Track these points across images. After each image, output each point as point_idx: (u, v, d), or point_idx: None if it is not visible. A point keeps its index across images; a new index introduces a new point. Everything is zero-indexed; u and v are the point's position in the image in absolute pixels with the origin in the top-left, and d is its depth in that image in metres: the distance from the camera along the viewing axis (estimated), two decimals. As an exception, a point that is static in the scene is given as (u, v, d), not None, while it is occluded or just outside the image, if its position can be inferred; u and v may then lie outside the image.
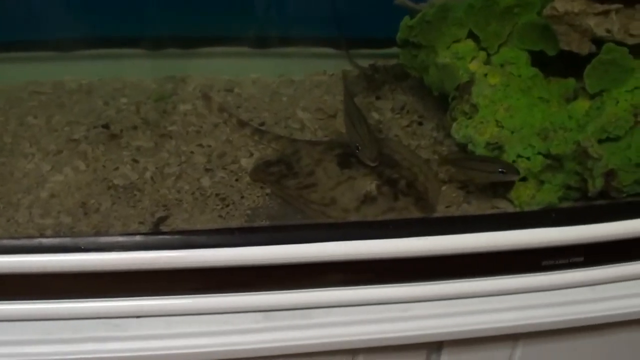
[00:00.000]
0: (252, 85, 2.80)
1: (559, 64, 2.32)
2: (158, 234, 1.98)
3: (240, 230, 2.01)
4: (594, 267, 2.08)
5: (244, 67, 2.87)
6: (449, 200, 2.24)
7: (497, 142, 2.19)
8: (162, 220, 2.09)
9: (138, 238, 1.88)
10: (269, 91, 2.78)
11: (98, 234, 2.03)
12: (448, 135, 2.42)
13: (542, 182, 2.18)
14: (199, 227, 2.08)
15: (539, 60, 2.34)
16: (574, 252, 2.04)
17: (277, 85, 2.83)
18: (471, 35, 2.39)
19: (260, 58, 2.93)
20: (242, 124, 2.51)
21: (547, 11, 2.15)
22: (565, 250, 2.03)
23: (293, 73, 2.88)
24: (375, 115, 2.62)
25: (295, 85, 2.83)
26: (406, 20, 2.47)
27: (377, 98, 2.74)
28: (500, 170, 2.13)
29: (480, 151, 2.22)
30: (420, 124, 2.58)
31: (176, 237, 1.91)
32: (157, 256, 1.85)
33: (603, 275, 2.09)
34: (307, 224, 2.12)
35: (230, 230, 1.99)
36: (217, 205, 2.17)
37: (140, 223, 2.08)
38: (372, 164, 2.21)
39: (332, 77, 2.90)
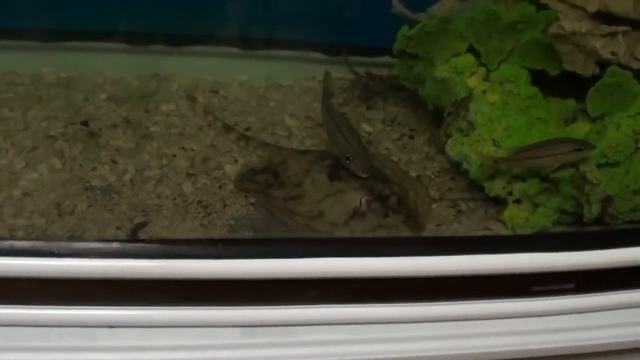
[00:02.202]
0: (239, 88, 2.74)
1: (559, 84, 2.28)
2: (136, 242, 1.92)
3: (224, 241, 1.93)
4: (585, 295, 2.02)
5: (231, 68, 2.80)
6: (440, 219, 2.20)
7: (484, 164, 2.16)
8: (140, 226, 2.04)
9: (115, 245, 1.80)
10: (256, 95, 2.72)
11: (72, 238, 1.98)
12: (440, 151, 2.40)
13: (536, 205, 2.15)
14: (179, 236, 2.03)
15: (538, 79, 2.30)
16: (565, 278, 1.99)
17: (265, 89, 2.76)
18: (471, 49, 2.34)
19: (248, 60, 2.85)
20: (227, 128, 2.45)
21: (553, 29, 2.10)
22: (557, 276, 1.98)
23: (282, 77, 2.82)
24: (366, 127, 2.57)
25: (283, 90, 2.77)
26: (404, 31, 2.39)
27: (368, 108, 2.68)
28: (577, 148, 2.04)
29: (474, 170, 2.18)
30: (411, 137, 2.53)
31: (155, 245, 1.84)
32: (135, 265, 1.78)
33: (594, 303, 2.03)
34: (292, 238, 2.05)
35: (212, 241, 1.91)
36: (199, 213, 2.11)
37: (118, 228, 2.03)
38: (364, 175, 2.16)
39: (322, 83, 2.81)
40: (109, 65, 2.74)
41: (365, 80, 2.79)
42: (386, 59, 2.76)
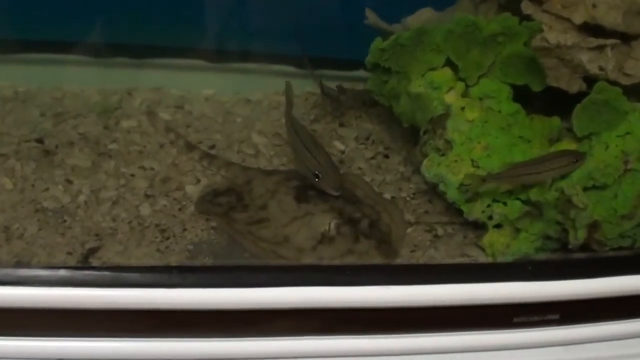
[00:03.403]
0: (205, 103, 2.61)
1: (542, 100, 2.17)
2: (85, 269, 1.79)
3: (179, 269, 1.83)
4: (571, 326, 1.94)
5: (197, 81, 2.67)
6: (415, 244, 2.08)
7: (470, 184, 2.02)
8: (92, 251, 1.92)
9: (62, 272, 1.74)
10: (223, 110, 2.59)
11: (19, 264, 1.85)
12: (417, 171, 2.26)
13: (518, 230, 2.04)
14: (133, 262, 1.91)
15: (520, 94, 2.18)
16: (549, 308, 1.91)
17: (232, 105, 2.63)
18: (449, 63, 2.21)
19: (215, 73, 2.73)
20: (190, 146, 2.32)
21: (536, 42, 1.98)
22: (540, 306, 1.90)
23: (250, 91, 2.68)
24: (338, 145, 2.44)
25: (251, 105, 2.64)
26: (377, 43, 2.25)
27: (341, 125, 2.56)
28: (574, 160, 1.94)
29: (452, 193, 2.06)
30: (386, 156, 2.41)
31: (105, 273, 1.78)
32: (82, 294, 1.72)
33: (580, 334, 1.96)
34: (255, 266, 1.93)
35: (167, 269, 1.83)
36: (156, 237, 2.00)
37: (69, 253, 1.91)
38: (335, 193, 2.06)
39: (293, 98, 2.58)
40: (69, 79, 2.63)
41: (335, 95, 2.64)
42: (361, 72, 2.63)
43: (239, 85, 2.71)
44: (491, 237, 2.04)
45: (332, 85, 2.65)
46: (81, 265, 1.86)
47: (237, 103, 2.66)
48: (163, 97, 2.63)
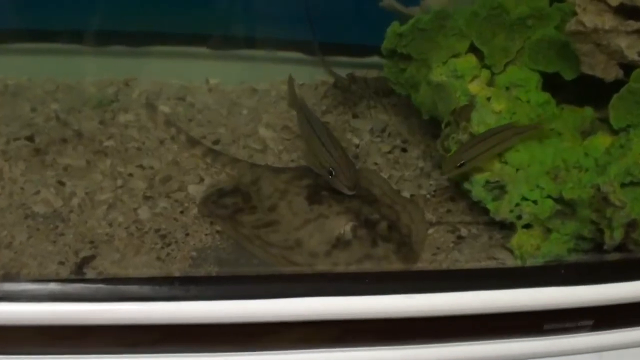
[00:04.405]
0: (208, 94, 2.49)
1: (572, 89, 2.03)
2: (78, 282, 1.66)
3: (182, 280, 1.69)
4: (605, 332, 1.82)
5: (200, 71, 2.55)
6: (437, 246, 1.95)
7: (498, 181, 1.91)
8: (86, 261, 1.80)
9: (52, 286, 1.60)
10: (227, 102, 2.47)
11: (6, 277, 1.74)
12: (437, 166, 2.18)
13: (549, 231, 1.91)
14: (131, 272, 1.81)
15: (548, 83, 2.04)
16: (583, 314, 1.79)
17: (237, 95, 2.51)
18: (473, 49, 2.08)
19: (219, 61, 2.61)
20: (192, 141, 2.20)
21: (571, 26, 1.82)
22: (573, 312, 1.78)
23: (256, 80, 2.56)
24: (352, 138, 2.31)
25: (258, 95, 2.51)
26: (395, 27, 2.12)
27: (354, 116, 2.42)
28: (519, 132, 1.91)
29: (477, 191, 1.92)
30: (404, 150, 2.27)
31: (101, 286, 1.62)
32: (75, 310, 1.57)
33: (614, 340, 1.85)
34: (264, 276, 1.78)
35: (168, 280, 1.68)
36: (156, 243, 1.88)
37: (61, 263, 1.79)
38: (350, 193, 1.94)
39: (303, 87, 2.57)
40: (63, 70, 2.52)
41: (346, 84, 2.52)
42: (375, 59, 2.49)
43: (244, 74, 2.59)
44: (520, 238, 1.91)
45: (344, 73, 2.53)
46: (73, 278, 1.75)
47: (243, 93, 2.54)
48: (163, 88, 2.52)
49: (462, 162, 1.88)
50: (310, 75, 2.58)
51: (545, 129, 1.92)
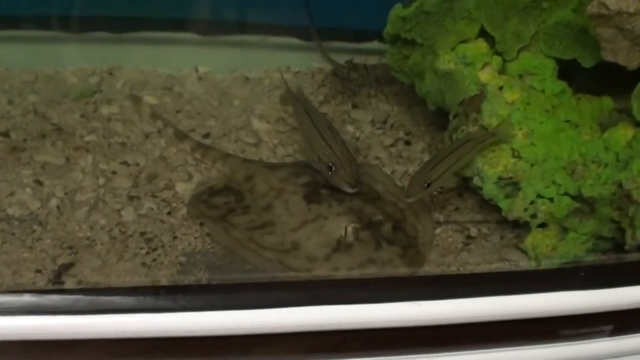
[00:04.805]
0: (197, 83, 2.38)
1: (587, 75, 1.92)
2: (56, 292, 1.54)
3: (168, 289, 1.58)
4: (625, 337, 1.73)
5: (188, 58, 2.43)
6: (445, 248, 1.85)
7: (511, 177, 1.81)
8: (65, 268, 1.69)
9: (27, 298, 1.48)
10: (218, 91, 2.36)
11: None
12: None
13: (566, 230, 1.84)
14: (113, 281, 1.70)
15: (562, 69, 1.93)
16: (602, 319, 1.70)
17: (228, 84, 2.40)
18: (484, 34, 1.96)
19: (209, 48, 2.47)
20: (180, 135, 2.09)
21: (593, 9, 1.69)
22: (592, 317, 1.69)
23: (249, 68, 2.43)
24: (352, 129, 2.20)
25: (251, 84, 2.40)
26: (398, 10, 2.01)
27: (354, 106, 2.30)
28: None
29: (489, 188, 1.82)
30: (407, 143, 2.17)
31: (81, 297, 1.51)
32: (53, 324, 1.46)
33: (634, 345, 1.75)
34: (259, 283, 1.68)
35: (154, 290, 1.57)
36: (141, 248, 1.78)
37: (37, 271, 1.68)
38: (351, 190, 1.83)
39: (298, 75, 2.46)
40: (43, 58, 2.40)
41: (345, 72, 2.39)
42: (375, 44, 2.42)
43: (236, 62, 2.49)
44: (534, 238, 1.83)
45: (341, 59, 2.40)
46: (50, 289, 1.63)
47: (235, 82, 2.44)
48: (149, 77, 2.41)
49: (428, 182, 1.76)
50: (306, 62, 2.47)
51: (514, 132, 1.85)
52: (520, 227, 1.88)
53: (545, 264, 1.82)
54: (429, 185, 1.75)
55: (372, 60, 2.49)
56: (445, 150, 1.82)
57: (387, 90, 2.38)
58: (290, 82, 2.35)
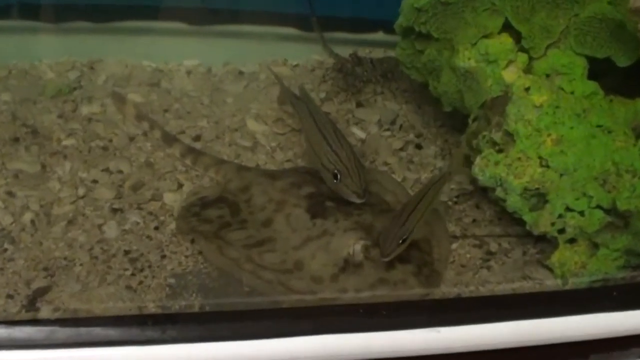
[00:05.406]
0: (187, 78, 2.26)
1: (619, 76, 1.78)
2: (30, 323, 1.43)
3: (157, 319, 1.46)
4: None
5: (176, 50, 2.32)
6: (463, 264, 1.75)
7: (538, 189, 1.66)
8: (40, 293, 1.55)
9: None
10: (209, 88, 2.24)
11: None
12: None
13: (596, 246, 1.69)
14: (94, 308, 1.54)
15: (590, 69, 1.79)
16: (635, 341, 1.59)
17: (221, 79, 2.28)
18: (508, 27, 1.80)
19: (199, 38, 2.36)
20: (168, 138, 1.96)
21: (636, 2, 1.54)
22: (625, 340, 1.58)
23: (243, 62, 2.30)
24: (356, 131, 2.05)
25: (245, 79, 2.27)
26: (412, 0, 1.85)
27: (359, 105, 2.16)
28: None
29: (513, 200, 1.66)
30: (418, 147, 2.02)
31: (57, 328, 1.40)
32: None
33: None
34: (258, 310, 1.57)
35: (140, 319, 1.46)
36: (126, 269, 1.63)
37: (9, 297, 1.55)
38: (358, 201, 1.71)
39: (296, 68, 2.31)
40: (17, 51, 2.28)
41: (350, 66, 2.25)
42: (380, 35, 2.29)
43: (228, 54, 2.37)
44: (562, 255, 1.70)
45: (343, 52, 2.27)
46: (23, 320, 1.47)
47: (227, 77, 2.33)
48: (134, 71, 2.30)
49: (403, 238, 1.60)
50: (305, 55, 2.34)
51: None
52: (543, 240, 1.75)
53: (573, 283, 1.66)
54: (404, 240, 1.59)
55: (377, 53, 2.32)
56: (413, 202, 1.65)
57: (394, 87, 2.24)
58: (288, 77, 2.20)
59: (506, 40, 1.78)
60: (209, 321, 1.48)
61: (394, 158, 1.99)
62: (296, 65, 2.33)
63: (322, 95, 2.19)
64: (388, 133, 2.07)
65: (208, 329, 1.43)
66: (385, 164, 1.98)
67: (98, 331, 1.42)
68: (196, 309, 1.58)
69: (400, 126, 2.10)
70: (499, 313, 1.53)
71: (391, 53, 2.17)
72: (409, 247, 1.66)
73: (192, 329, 1.43)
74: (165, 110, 2.10)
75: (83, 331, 1.42)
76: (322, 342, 1.43)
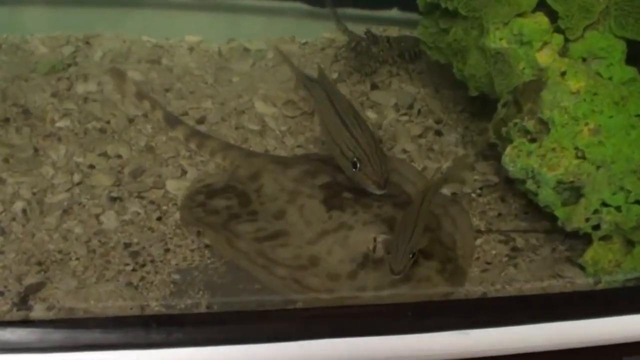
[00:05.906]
0: (189, 55, 2.17)
1: None
2: (21, 325, 1.34)
3: (161, 320, 1.37)
4: None
5: (178, 25, 2.23)
6: (488, 261, 1.63)
7: (573, 182, 1.56)
8: (33, 290, 1.47)
9: None
10: (213, 66, 2.15)
11: None
12: (484, 154, 1.83)
13: (631, 244, 1.60)
14: (91, 307, 1.47)
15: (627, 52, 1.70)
16: None
17: (226, 57, 2.19)
18: (543, 6, 1.67)
19: (202, 13, 2.27)
20: (171, 120, 1.87)
21: None
22: None
23: (249, 38, 2.20)
24: (371, 115, 1.94)
25: (251, 57, 2.16)
26: None
27: (374, 87, 2.05)
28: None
29: (546, 194, 1.57)
30: (438, 133, 1.92)
31: (52, 330, 1.31)
32: None
33: None
34: (270, 310, 1.51)
35: (143, 320, 1.38)
36: (126, 264, 1.54)
37: None
38: (379, 192, 1.61)
39: (305, 46, 2.20)
40: (7, 25, 2.20)
41: (364, 45, 2.12)
42: (395, 12, 2.18)
43: (233, 30, 2.27)
44: (596, 252, 1.61)
45: (356, 30, 2.16)
46: (14, 320, 1.40)
47: (233, 54, 2.24)
48: (132, 47, 2.19)
49: (413, 253, 1.50)
50: (314, 32, 2.24)
51: None
52: (572, 237, 1.65)
53: (606, 282, 1.57)
54: (413, 254, 1.50)
55: (391, 31, 2.22)
56: (413, 213, 1.54)
57: (412, 68, 2.13)
58: (296, 56, 2.10)
59: (542, 20, 1.66)
60: (217, 322, 1.41)
61: (413, 145, 1.88)
62: (305, 43, 2.24)
63: (335, 75, 2.10)
64: (406, 118, 1.96)
65: (216, 331, 1.36)
66: (404, 151, 1.88)
67: (97, 334, 1.33)
68: (203, 308, 1.46)
69: (419, 111, 1.98)
70: (532, 314, 1.45)
71: (406, 32, 2.05)
72: (432, 242, 1.54)
73: (199, 331, 1.35)
74: (167, 90, 2.02)
75: (80, 333, 1.33)
76: (341, 345, 1.33)
